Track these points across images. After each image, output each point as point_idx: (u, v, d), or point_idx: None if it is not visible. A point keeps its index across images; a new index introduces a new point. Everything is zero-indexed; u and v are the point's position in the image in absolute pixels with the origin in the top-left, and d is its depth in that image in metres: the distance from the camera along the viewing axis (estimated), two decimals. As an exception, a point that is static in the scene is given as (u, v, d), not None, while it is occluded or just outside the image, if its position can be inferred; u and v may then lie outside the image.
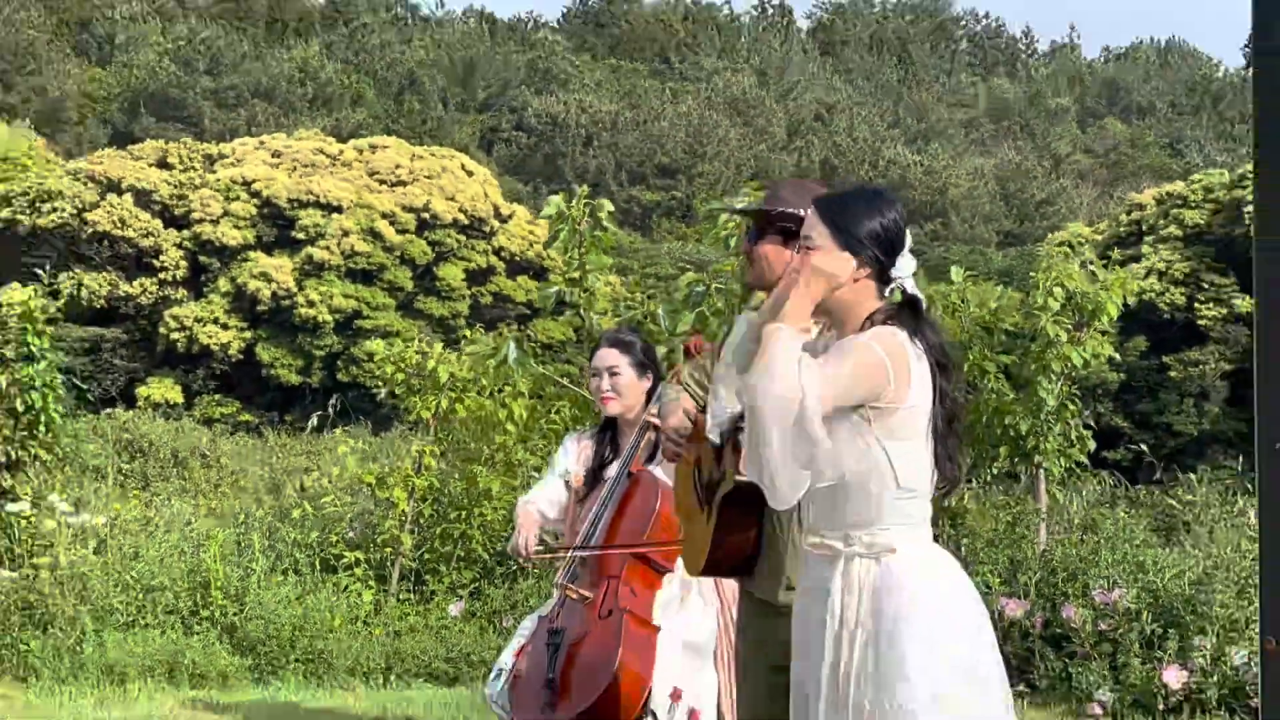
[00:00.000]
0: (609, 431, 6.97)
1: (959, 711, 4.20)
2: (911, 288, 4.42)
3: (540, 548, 6.75)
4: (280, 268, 42.56)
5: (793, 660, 4.57)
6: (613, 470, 6.77)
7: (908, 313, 4.39)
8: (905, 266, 4.41)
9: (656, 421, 6.64)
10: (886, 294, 4.40)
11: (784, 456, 4.09)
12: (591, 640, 6.34)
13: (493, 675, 6.81)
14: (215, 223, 43.19)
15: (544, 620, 6.64)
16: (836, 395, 4.17)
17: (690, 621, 6.53)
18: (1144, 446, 21.07)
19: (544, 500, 6.94)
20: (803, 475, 4.15)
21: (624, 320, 11.08)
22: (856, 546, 4.32)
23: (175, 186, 43.96)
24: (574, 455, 7.02)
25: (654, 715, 6.25)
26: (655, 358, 7.05)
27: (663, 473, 6.60)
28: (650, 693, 6.26)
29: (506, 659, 6.77)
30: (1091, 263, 12.16)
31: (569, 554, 6.62)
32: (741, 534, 5.31)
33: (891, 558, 4.30)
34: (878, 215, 4.39)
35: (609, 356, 6.86)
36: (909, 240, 4.46)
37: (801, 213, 5.59)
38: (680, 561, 6.50)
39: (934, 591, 4.29)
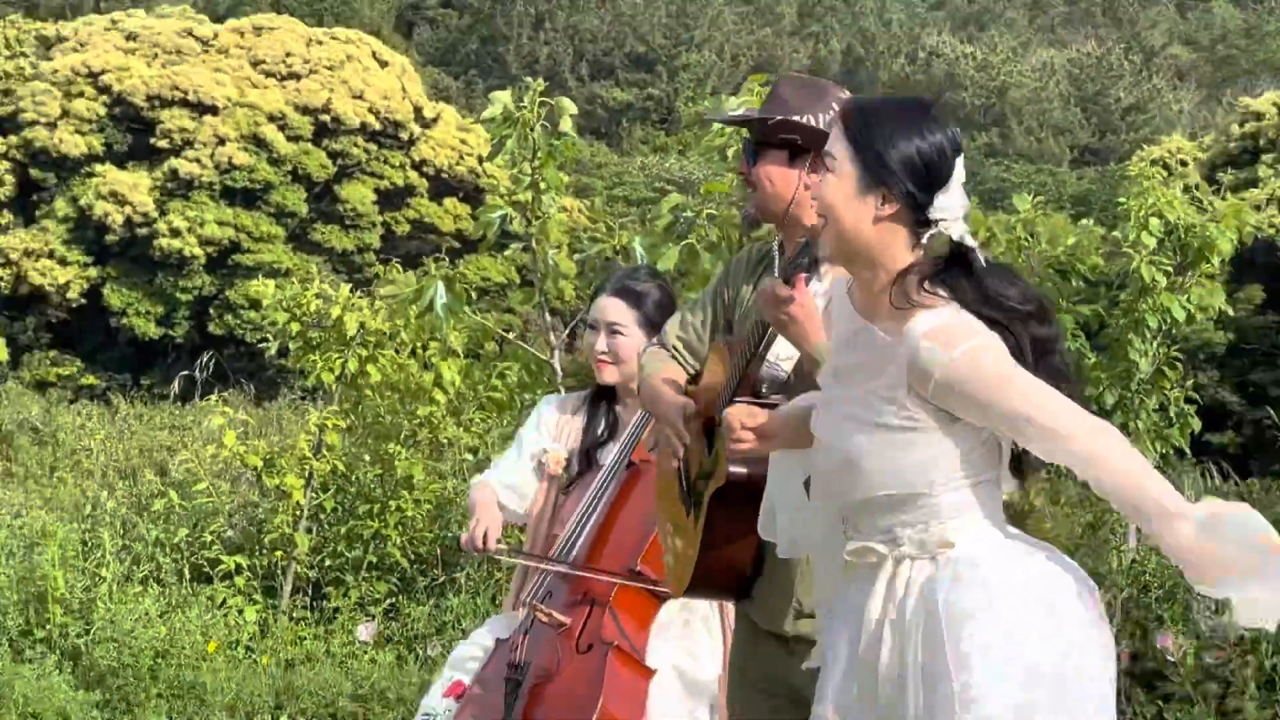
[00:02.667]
0: (606, 401, 6.87)
1: None
2: (962, 234, 4.35)
3: (503, 547, 6.66)
4: (136, 186, 42.46)
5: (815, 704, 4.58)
6: (609, 455, 6.67)
7: (956, 271, 4.33)
8: (951, 205, 4.35)
9: None
10: (924, 240, 4.36)
11: None
12: (564, 681, 6.22)
13: None
14: (51, 126, 43.06)
15: (504, 648, 6.51)
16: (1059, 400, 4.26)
17: (693, 653, 6.48)
18: (1276, 419, 20.94)
19: (504, 486, 6.82)
20: None
21: (592, 255, 11.06)
22: (906, 546, 4.34)
23: (-1, 78, 43.83)
24: (553, 428, 6.91)
25: None
26: (672, 311, 6.86)
27: None
28: None
29: (434, 701, 6.68)
30: (1197, 187, 12.15)
31: (541, 567, 6.55)
32: (736, 542, 5.29)
33: (951, 553, 4.31)
34: (916, 136, 4.33)
35: (611, 309, 6.74)
36: (960, 172, 4.39)
37: (811, 120, 5.57)
38: None
39: (1010, 586, 4.28)
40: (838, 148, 4.37)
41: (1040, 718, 4.17)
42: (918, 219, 4.32)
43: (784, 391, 5.31)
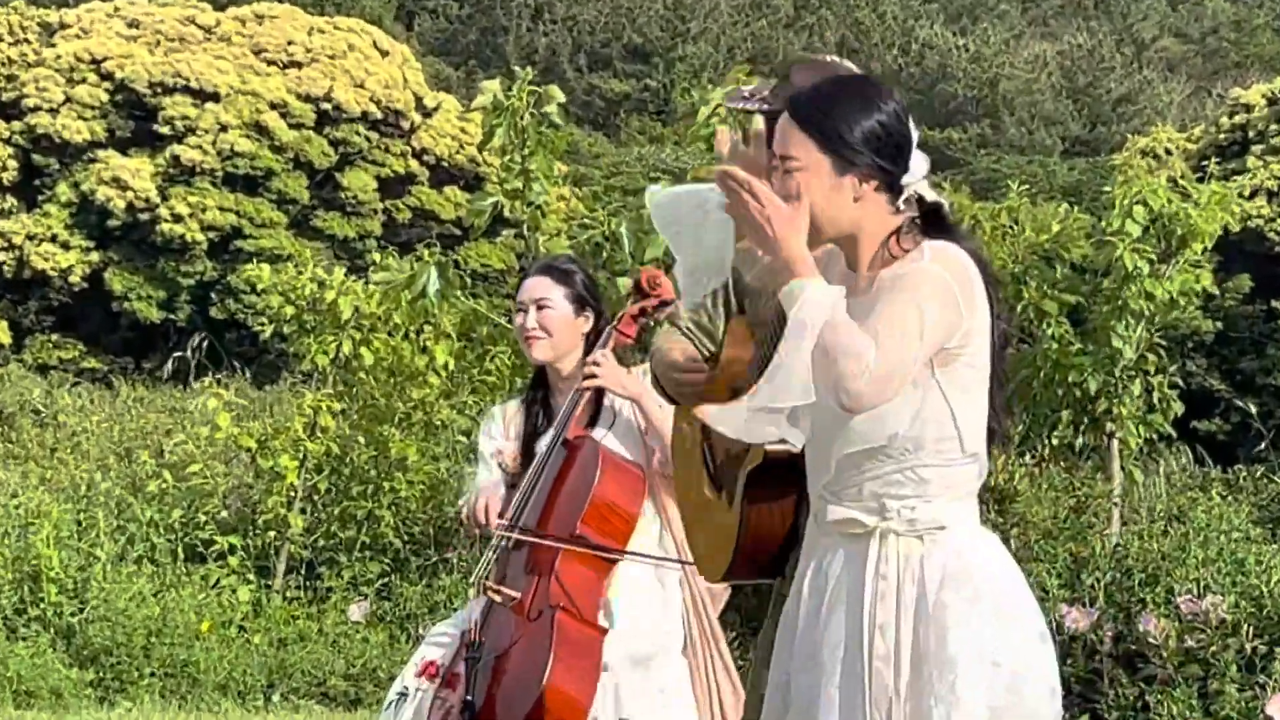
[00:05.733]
0: (539, 390, 6.97)
1: None
2: (929, 193, 4.37)
3: (502, 522, 6.66)
4: (138, 172, 42.38)
5: (774, 664, 4.59)
6: (547, 440, 6.75)
7: (933, 224, 4.36)
8: (917, 168, 4.37)
9: (597, 374, 6.65)
10: (900, 205, 4.35)
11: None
12: (518, 650, 6.29)
13: (390, 700, 6.76)
14: (54, 112, 42.97)
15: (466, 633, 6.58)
16: (917, 357, 4.16)
17: (637, 628, 6.49)
18: (1251, 412, 20.89)
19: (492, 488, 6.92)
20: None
21: (581, 241, 11.05)
22: (894, 521, 4.29)
23: (2, 65, 43.74)
24: (501, 429, 7.02)
25: None
26: (597, 294, 7.05)
27: (615, 441, 6.59)
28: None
29: (408, 681, 6.71)
30: (1183, 177, 12.13)
31: (493, 541, 6.61)
32: (772, 518, 5.23)
33: (941, 536, 4.28)
34: (873, 111, 4.32)
35: (538, 286, 6.85)
36: (915, 133, 4.41)
37: None
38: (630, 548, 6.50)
39: (995, 585, 4.28)
40: (798, 148, 4.31)
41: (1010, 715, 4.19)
42: (892, 187, 4.32)
43: None
